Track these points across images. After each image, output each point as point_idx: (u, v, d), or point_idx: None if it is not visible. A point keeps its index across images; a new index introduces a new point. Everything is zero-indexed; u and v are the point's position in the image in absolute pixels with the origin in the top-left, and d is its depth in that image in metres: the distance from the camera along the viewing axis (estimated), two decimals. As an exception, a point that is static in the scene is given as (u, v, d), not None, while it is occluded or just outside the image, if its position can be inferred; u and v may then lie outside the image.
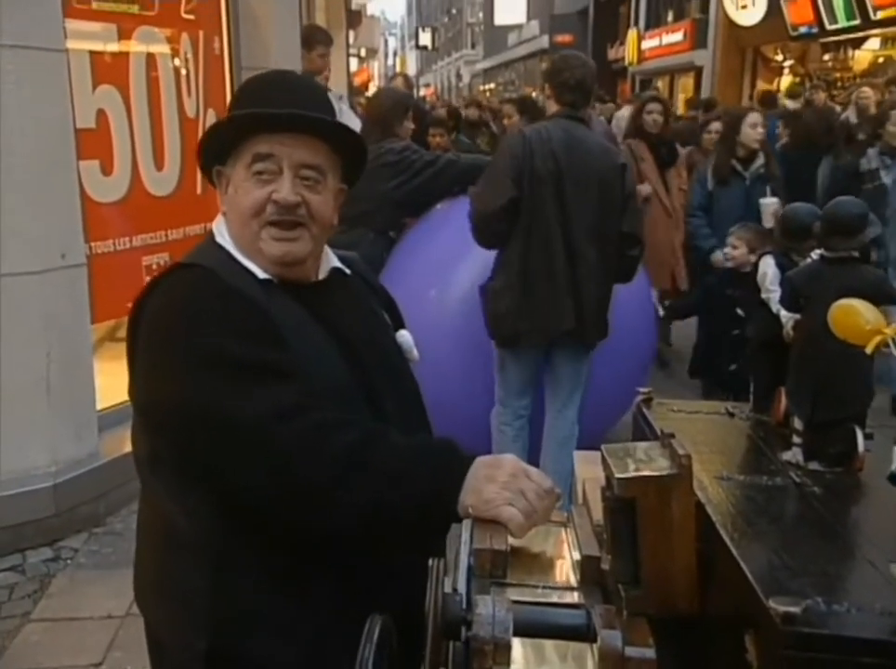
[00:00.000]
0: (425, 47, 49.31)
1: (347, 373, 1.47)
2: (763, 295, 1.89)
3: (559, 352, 3.74)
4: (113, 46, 4.25)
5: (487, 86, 42.81)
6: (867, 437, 1.50)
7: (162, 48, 4.56)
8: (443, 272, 4.21)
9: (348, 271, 1.65)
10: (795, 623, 0.98)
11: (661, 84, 22.95)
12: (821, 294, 1.50)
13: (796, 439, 1.54)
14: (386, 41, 69.38)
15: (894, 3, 13.30)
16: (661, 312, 6.06)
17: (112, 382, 4.06)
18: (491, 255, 3.69)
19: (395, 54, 75.80)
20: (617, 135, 8.19)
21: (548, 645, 1.20)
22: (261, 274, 1.47)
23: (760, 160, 5.18)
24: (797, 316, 1.63)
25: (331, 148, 1.50)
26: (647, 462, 1.19)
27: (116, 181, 4.27)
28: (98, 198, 4.15)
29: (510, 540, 1.26)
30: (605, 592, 1.23)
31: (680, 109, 19.40)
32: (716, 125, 6.51)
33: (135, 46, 4.36)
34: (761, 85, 17.78)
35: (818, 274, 1.57)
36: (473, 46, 51.83)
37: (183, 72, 4.71)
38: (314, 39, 5.75)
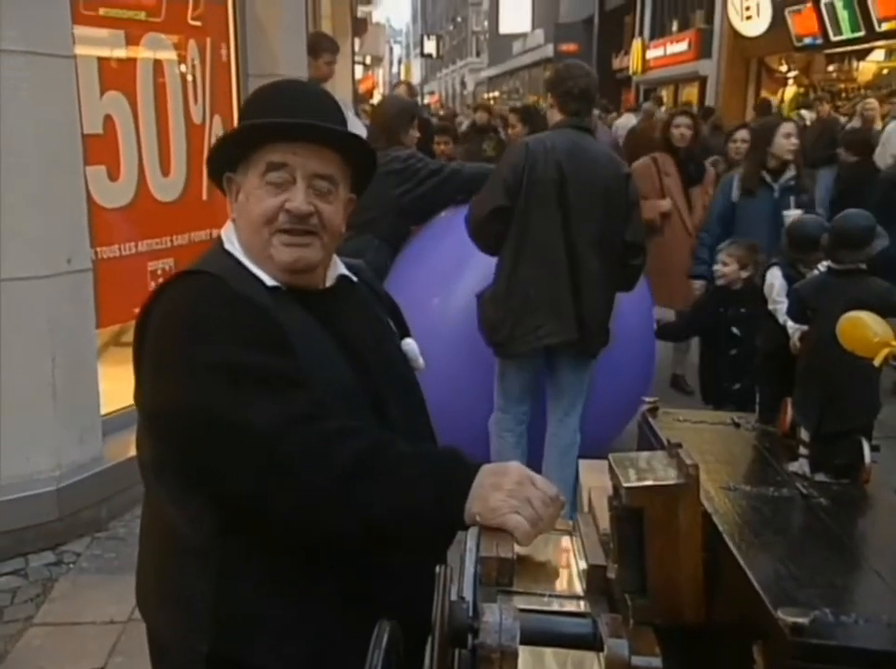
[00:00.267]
0: (430, 55, 49.44)
1: (353, 381, 1.47)
2: (770, 307, 1.89)
3: (560, 360, 3.75)
4: (121, 53, 4.27)
5: (491, 94, 42.86)
6: (874, 448, 1.50)
7: (169, 55, 4.58)
8: (447, 280, 4.21)
9: (354, 279, 1.65)
10: (803, 634, 0.98)
11: (665, 93, 22.96)
12: (828, 306, 1.50)
13: (802, 451, 1.54)
14: (391, 49, 69.60)
15: (899, 15, 13.33)
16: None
17: (115, 386, 4.06)
18: (494, 262, 3.70)
19: (400, 62, 76.02)
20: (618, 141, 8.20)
21: (548, 653, 1.21)
22: (270, 281, 1.48)
23: (791, 171, 4.95)
24: (804, 327, 1.63)
25: (342, 158, 1.52)
26: (654, 471, 1.19)
27: (123, 187, 4.28)
28: (104, 203, 4.16)
29: (516, 548, 1.26)
30: (611, 601, 1.23)
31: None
32: (741, 134, 6.27)
33: (142, 53, 4.38)
34: (765, 96, 17.81)
35: (825, 286, 1.57)
36: (478, 55, 51.99)
37: (190, 78, 4.73)
38: (321, 47, 5.78)
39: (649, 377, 4.57)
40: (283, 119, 1.45)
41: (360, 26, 18.51)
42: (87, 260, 3.92)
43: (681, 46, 22.00)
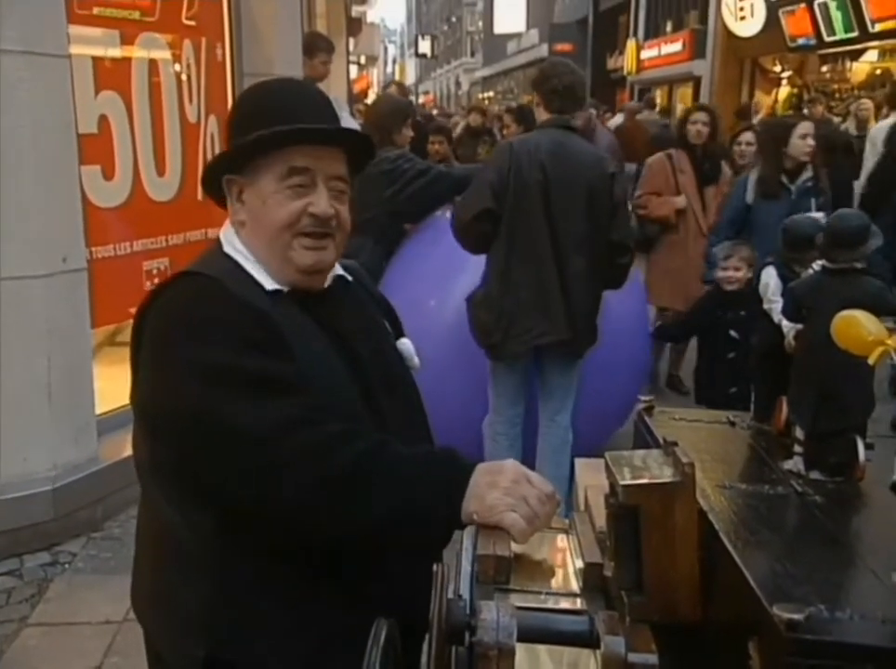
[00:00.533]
0: (424, 55, 49.43)
1: (351, 383, 1.48)
2: (765, 306, 1.90)
3: (548, 361, 3.76)
4: (116, 52, 4.27)
5: (486, 94, 42.90)
6: (868, 446, 1.51)
7: (164, 54, 4.57)
8: (443, 281, 4.22)
9: (350, 278, 1.66)
10: (798, 631, 0.99)
11: (660, 93, 23.00)
12: (823, 305, 1.51)
13: (797, 449, 1.55)
14: (385, 48, 69.46)
15: (892, 16, 13.36)
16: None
17: (111, 386, 4.06)
18: (490, 264, 3.71)
19: (395, 61, 75.99)
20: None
21: (543, 651, 1.21)
22: (269, 285, 1.47)
23: (808, 173, 4.80)
24: (799, 326, 1.64)
25: (348, 158, 1.54)
26: (650, 470, 1.19)
27: (117, 186, 4.27)
28: (99, 203, 4.15)
29: (513, 546, 1.27)
30: (608, 598, 1.24)
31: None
32: (746, 137, 5.99)
33: (137, 52, 4.38)
34: (759, 96, 17.85)
35: (820, 285, 1.58)
36: (472, 55, 51.96)
37: (185, 78, 4.72)
38: (316, 46, 5.79)
39: (643, 378, 4.58)
40: (307, 125, 1.46)
41: (354, 26, 18.51)
42: (82, 260, 3.91)
43: (675, 47, 22.03)
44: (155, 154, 4.49)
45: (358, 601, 1.39)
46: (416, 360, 1.71)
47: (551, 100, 3.68)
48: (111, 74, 4.21)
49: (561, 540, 1.44)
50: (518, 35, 38.73)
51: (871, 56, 15.33)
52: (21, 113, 3.57)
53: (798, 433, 1.56)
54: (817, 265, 1.65)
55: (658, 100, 19.54)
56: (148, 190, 4.45)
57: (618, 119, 13.61)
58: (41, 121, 3.65)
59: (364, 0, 18.95)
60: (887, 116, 7.88)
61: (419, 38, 50.23)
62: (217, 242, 1.55)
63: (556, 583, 1.32)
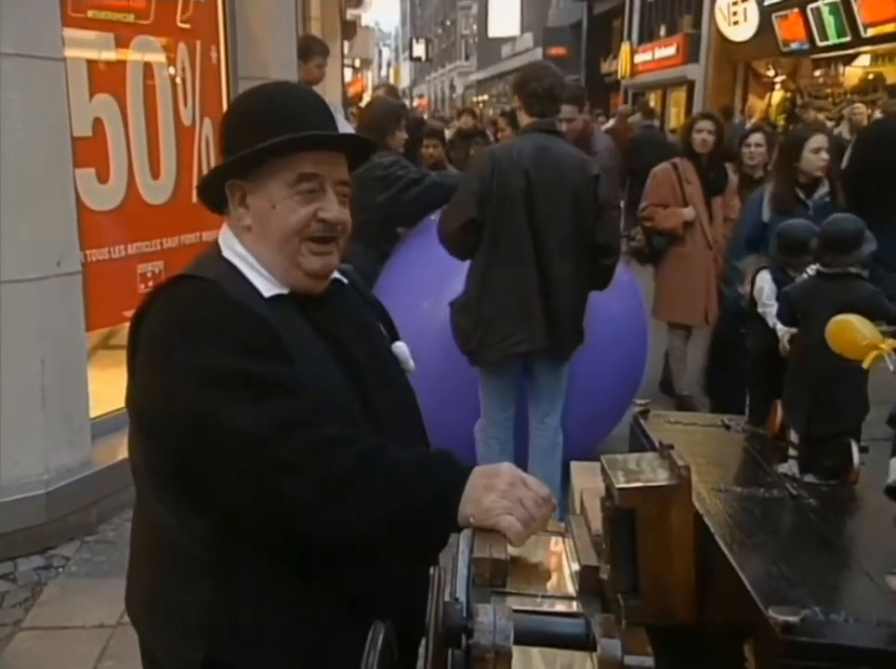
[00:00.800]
0: (419, 58, 49.52)
1: (348, 386, 1.48)
2: (760, 310, 1.90)
3: (536, 365, 3.76)
4: (110, 55, 4.26)
5: (480, 98, 42.96)
6: (862, 450, 1.52)
7: (158, 57, 4.57)
8: (438, 284, 4.22)
9: (346, 281, 1.66)
10: (793, 633, 0.99)
11: (654, 97, 23.06)
12: (817, 309, 1.51)
13: (792, 452, 1.56)
14: (380, 52, 69.62)
15: (884, 20, 13.42)
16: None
17: (105, 390, 4.05)
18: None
19: (389, 65, 76.08)
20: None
21: (536, 654, 1.22)
22: (267, 291, 1.47)
23: (825, 187, 4.51)
24: (794, 330, 1.64)
25: (349, 163, 1.56)
26: (647, 472, 1.20)
27: (112, 189, 4.27)
28: (93, 206, 4.15)
29: (509, 549, 1.27)
30: (604, 601, 1.24)
31: (673, 122, 19.57)
32: (755, 138, 5.57)
33: (131, 55, 4.37)
34: (752, 100, 17.91)
35: (814, 289, 1.59)
36: (467, 58, 52.04)
37: (179, 81, 4.72)
38: (311, 50, 5.78)
39: (638, 380, 4.59)
40: (318, 132, 1.48)
41: (349, 29, 18.54)
42: (77, 263, 3.91)
43: (669, 51, 22.09)
44: (150, 157, 4.49)
45: (356, 604, 1.39)
46: (412, 363, 1.72)
47: (531, 104, 3.68)
48: (105, 77, 4.21)
49: (558, 543, 1.44)
50: (512, 39, 38.81)
51: (864, 60, 15.39)
52: (16, 116, 3.57)
53: (793, 436, 1.57)
54: (811, 269, 1.66)
55: (652, 104, 19.61)
56: (142, 193, 4.45)
57: (610, 123, 13.71)
58: (35, 124, 3.65)
59: (359, 3, 18.98)
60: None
61: (414, 41, 50.35)
62: (216, 245, 1.55)
63: (552, 586, 1.32)
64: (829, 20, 14.59)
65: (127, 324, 1.50)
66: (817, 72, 16.83)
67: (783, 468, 1.55)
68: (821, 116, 11.79)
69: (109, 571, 3.60)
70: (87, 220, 4.06)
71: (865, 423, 1.56)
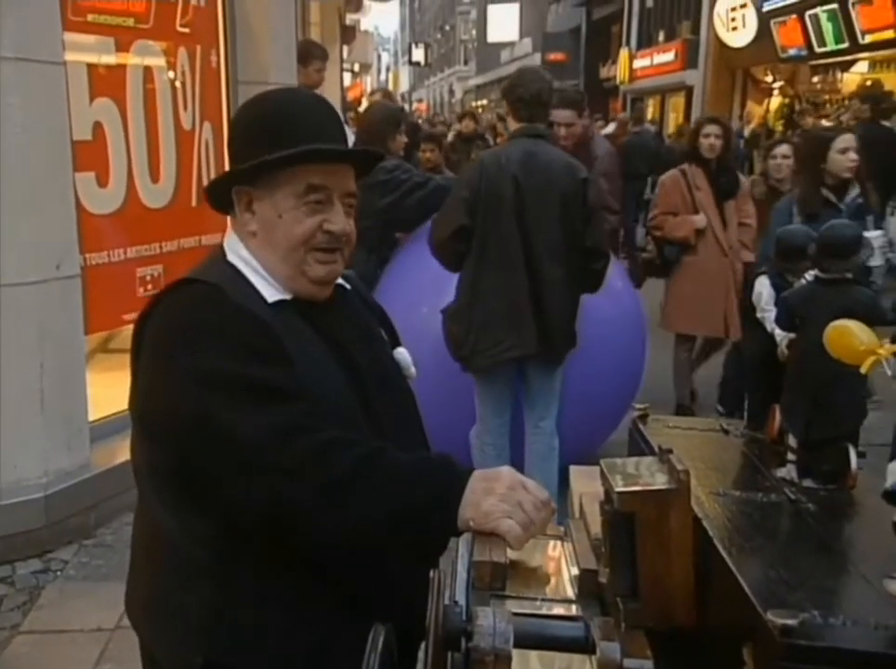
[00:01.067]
0: (418, 63, 49.60)
1: (349, 391, 1.48)
2: (758, 315, 1.91)
3: (529, 369, 3.77)
4: (110, 59, 4.26)
5: (479, 102, 43.00)
6: (860, 455, 1.52)
7: (158, 61, 4.57)
8: (436, 290, 4.22)
9: (348, 287, 1.67)
10: (792, 636, 1.00)
11: (652, 103, 23.11)
12: (815, 314, 1.52)
13: (790, 457, 1.56)
14: (379, 56, 69.69)
15: (882, 27, 13.47)
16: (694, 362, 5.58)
17: (104, 393, 4.05)
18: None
19: (388, 69, 76.16)
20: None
21: (534, 656, 1.22)
22: (270, 296, 1.48)
23: (856, 189, 4.36)
24: (792, 335, 1.65)
25: (356, 172, 1.57)
26: (646, 476, 1.21)
27: (112, 193, 4.27)
28: (93, 209, 4.14)
29: (509, 553, 1.27)
30: (603, 605, 1.24)
31: (671, 128, 19.60)
32: (782, 150, 5.43)
33: (131, 59, 4.37)
34: (751, 106, 17.97)
35: (813, 295, 1.59)
36: (466, 63, 52.12)
37: (179, 85, 4.72)
38: (311, 54, 5.79)
39: (637, 384, 4.59)
40: (332, 146, 1.49)
41: (348, 34, 18.57)
42: (76, 266, 3.91)
43: (668, 56, 22.15)
44: (149, 161, 4.49)
45: (356, 605, 1.40)
46: (413, 369, 1.72)
47: (519, 109, 3.68)
48: (105, 81, 4.21)
49: (557, 547, 1.44)
50: (511, 44, 38.91)
51: (861, 67, 15.44)
52: (16, 120, 3.57)
53: (791, 441, 1.57)
54: (810, 275, 1.67)
55: (651, 111, 19.67)
56: (142, 196, 4.45)
57: (609, 129, 13.77)
58: (35, 127, 3.65)
59: (358, 8, 18.99)
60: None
61: (413, 46, 50.41)
62: (220, 249, 1.55)
63: (551, 589, 1.33)
64: (827, 27, 14.64)
65: (126, 328, 1.50)
66: (815, 79, 16.88)
67: (781, 473, 1.56)
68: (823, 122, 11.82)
69: (107, 575, 3.59)
70: (87, 224, 4.06)
71: (863, 427, 1.57)
